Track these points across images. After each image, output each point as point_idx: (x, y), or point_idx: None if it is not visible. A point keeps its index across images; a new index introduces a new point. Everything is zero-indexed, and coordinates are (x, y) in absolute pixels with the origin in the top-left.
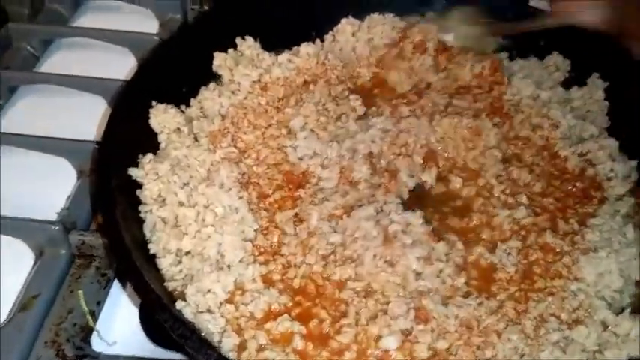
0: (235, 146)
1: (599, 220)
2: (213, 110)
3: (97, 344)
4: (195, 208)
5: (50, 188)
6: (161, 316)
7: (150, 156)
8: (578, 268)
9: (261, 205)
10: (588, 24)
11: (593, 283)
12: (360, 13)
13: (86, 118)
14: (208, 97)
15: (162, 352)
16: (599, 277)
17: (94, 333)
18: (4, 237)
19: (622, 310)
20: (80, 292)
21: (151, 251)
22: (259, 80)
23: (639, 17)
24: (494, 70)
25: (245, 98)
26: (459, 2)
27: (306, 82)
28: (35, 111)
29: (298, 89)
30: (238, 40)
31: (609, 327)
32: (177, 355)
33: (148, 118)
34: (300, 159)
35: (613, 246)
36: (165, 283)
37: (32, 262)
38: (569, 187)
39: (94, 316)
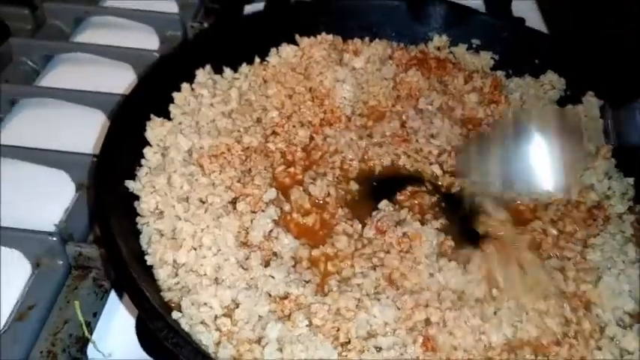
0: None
1: (600, 240)
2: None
3: (93, 355)
4: (193, 225)
5: (48, 200)
6: (155, 325)
7: (146, 169)
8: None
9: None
10: None
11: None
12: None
13: (85, 132)
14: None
15: None
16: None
17: (90, 344)
18: (2, 248)
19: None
20: (76, 302)
21: (148, 262)
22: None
23: None
24: (495, 87)
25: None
26: (454, 24)
27: None
28: (35, 124)
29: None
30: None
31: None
32: None
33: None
34: None
35: (618, 266)
36: (161, 294)
37: (29, 273)
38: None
39: (90, 327)
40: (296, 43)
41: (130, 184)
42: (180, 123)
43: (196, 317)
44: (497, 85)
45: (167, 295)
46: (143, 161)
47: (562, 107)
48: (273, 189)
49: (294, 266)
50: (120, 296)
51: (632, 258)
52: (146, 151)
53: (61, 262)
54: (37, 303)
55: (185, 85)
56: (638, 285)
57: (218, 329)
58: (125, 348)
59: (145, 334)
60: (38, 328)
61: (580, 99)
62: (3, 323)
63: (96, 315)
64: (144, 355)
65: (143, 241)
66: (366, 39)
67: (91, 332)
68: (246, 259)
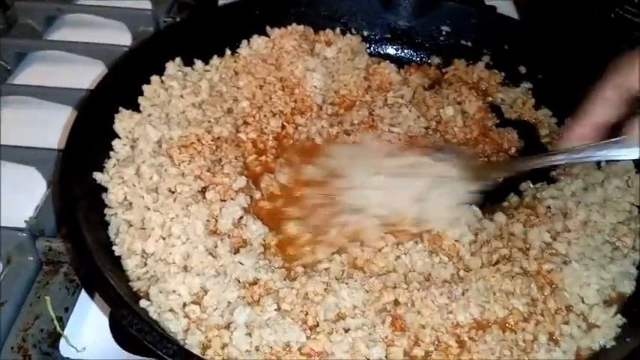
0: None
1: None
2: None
3: (66, 350)
4: (162, 215)
5: (19, 197)
6: (119, 313)
7: (114, 160)
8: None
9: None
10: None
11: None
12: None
13: (58, 129)
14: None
15: (132, 357)
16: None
17: (62, 339)
18: None
19: None
20: (47, 298)
21: (116, 253)
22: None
23: None
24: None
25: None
26: (424, 11)
27: None
28: (6, 122)
29: None
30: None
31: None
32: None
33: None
34: None
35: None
36: (130, 283)
37: None
38: None
39: (62, 322)
40: (267, 35)
41: (98, 176)
42: (149, 115)
43: (165, 305)
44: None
45: (136, 285)
46: (111, 153)
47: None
48: (243, 177)
49: (263, 252)
50: (87, 289)
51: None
52: (115, 143)
53: (31, 258)
54: (8, 299)
55: (155, 78)
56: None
57: (187, 316)
58: (99, 342)
59: (118, 328)
60: (8, 324)
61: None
62: None
63: (68, 310)
64: (118, 348)
65: (111, 232)
66: (337, 30)
67: (62, 327)
68: (215, 246)
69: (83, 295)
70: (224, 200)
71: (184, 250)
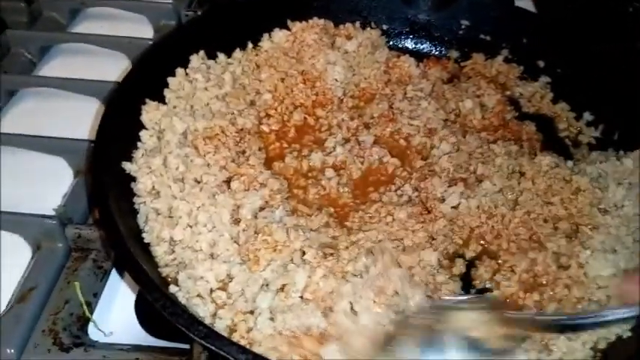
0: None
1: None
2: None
3: (94, 334)
4: (188, 204)
5: (47, 186)
6: (152, 296)
7: (142, 151)
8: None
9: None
10: None
11: None
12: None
13: (83, 120)
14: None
15: (157, 342)
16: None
17: (91, 323)
18: (2, 232)
19: None
20: (76, 283)
21: (145, 240)
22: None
23: None
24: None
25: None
26: (443, 5)
27: None
28: (33, 113)
29: None
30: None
31: None
32: (171, 344)
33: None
34: None
35: None
36: (159, 269)
37: (30, 256)
38: None
39: (91, 307)
40: (288, 28)
41: (127, 166)
42: (175, 107)
43: (193, 290)
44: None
45: (164, 271)
46: (139, 144)
47: None
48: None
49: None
50: (121, 275)
51: None
52: (142, 134)
53: (60, 245)
54: (38, 285)
55: (179, 70)
56: None
57: (214, 301)
58: (125, 327)
59: (144, 313)
60: (39, 308)
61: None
62: (5, 305)
63: (96, 295)
64: (143, 333)
65: (140, 220)
66: (357, 23)
67: (91, 312)
68: (240, 235)
69: (111, 281)
70: (248, 190)
71: (210, 238)
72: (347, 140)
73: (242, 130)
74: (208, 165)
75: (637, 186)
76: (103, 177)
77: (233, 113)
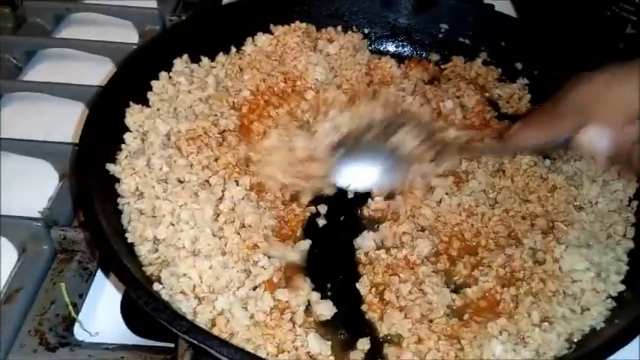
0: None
1: None
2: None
3: (80, 334)
4: (171, 203)
5: (33, 189)
6: (136, 293)
7: (126, 152)
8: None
9: None
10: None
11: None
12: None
13: (68, 124)
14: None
15: (142, 341)
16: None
17: (77, 323)
18: None
19: None
20: (62, 284)
21: (129, 240)
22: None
23: None
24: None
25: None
26: (423, 9)
27: None
28: (18, 118)
29: None
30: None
31: None
32: (156, 343)
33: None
34: None
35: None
36: (143, 268)
37: (16, 258)
38: None
39: (76, 307)
40: (271, 33)
41: (111, 167)
42: (158, 109)
43: (176, 287)
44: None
45: (148, 270)
46: (123, 146)
47: None
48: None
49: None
50: (106, 275)
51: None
52: (126, 136)
53: (46, 247)
54: (24, 286)
55: (163, 74)
56: None
57: (197, 297)
58: (111, 327)
59: (130, 313)
60: (25, 309)
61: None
62: None
63: (82, 296)
64: (129, 333)
65: (124, 220)
66: (339, 28)
67: (77, 312)
68: (221, 229)
69: (96, 282)
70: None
71: (192, 235)
72: None
73: (224, 131)
74: (191, 165)
75: (610, 183)
76: (88, 178)
77: (216, 115)
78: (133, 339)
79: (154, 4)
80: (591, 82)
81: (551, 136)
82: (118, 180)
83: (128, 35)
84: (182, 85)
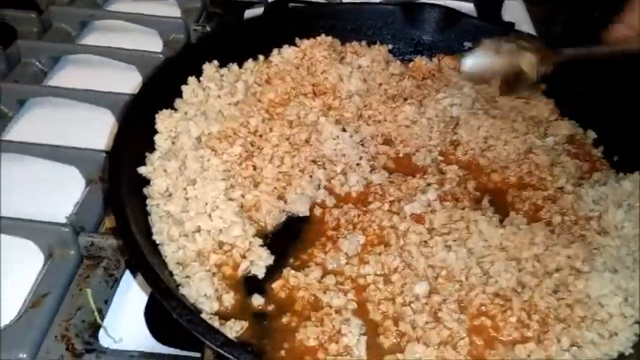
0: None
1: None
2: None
3: (105, 340)
4: (201, 200)
5: (60, 195)
6: (169, 304)
7: (158, 154)
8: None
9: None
10: None
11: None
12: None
13: (92, 130)
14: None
15: (165, 349)
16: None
17: (102, 329)
18: (15, 239)
19: None
20: (88, 290)
21: (157, 241)
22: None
23: None
24: None
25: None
26: (447, 27)
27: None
28: (43, 123)
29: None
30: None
31: None
32: (179, 352)
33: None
34: None
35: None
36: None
37: (42, 263)
38: None
39: (102, 313)
40: (296, 45)
41: (142, 169)
42: (186, 113)
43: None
44: None
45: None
46: (156, 146)
47: None
48: None
49: None
50: (134, 276)
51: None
52: (157, 138)
53: (73, 252)
54: (51, 291)
55: (192, 79)
56: None
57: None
58: (134, 334)
59: (154, 320)
60: (52, 314)
61: None
62: (18, 310)
63: (107, 302)
64: (152, 340)
65: (152, 221)
66: (363, 42)
67: (102, 319)
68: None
69: (121, 288)
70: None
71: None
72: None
73: (255, 132)
74: (224, 162)
75: (636, 207)
76: (120, 184)
77: (246, 117)
78: (156, 346)
79: (178, 14)
80: None
81: None
82: (146, 183)
83: (152, 43)
84: (212, 90)
